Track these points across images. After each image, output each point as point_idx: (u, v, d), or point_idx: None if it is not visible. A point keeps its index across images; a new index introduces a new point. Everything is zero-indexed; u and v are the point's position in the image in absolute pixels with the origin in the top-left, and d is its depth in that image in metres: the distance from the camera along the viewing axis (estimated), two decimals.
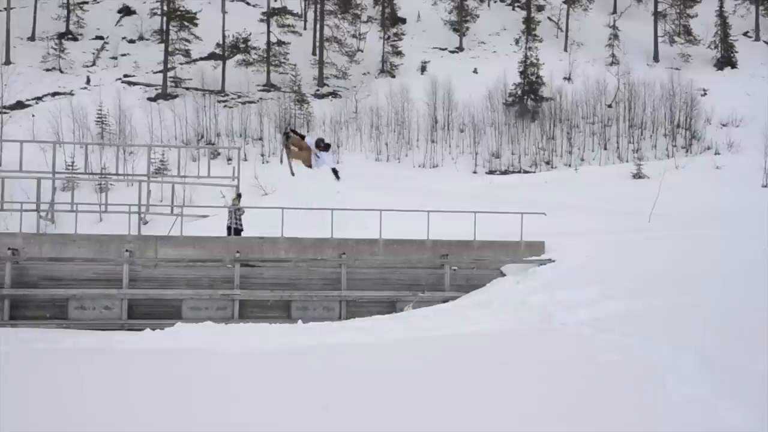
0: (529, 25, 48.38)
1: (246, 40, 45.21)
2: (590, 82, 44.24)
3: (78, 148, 30.53)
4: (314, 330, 11.37)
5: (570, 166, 39.78)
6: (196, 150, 32.99)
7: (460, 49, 51.05)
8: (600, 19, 53.94)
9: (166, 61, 43.33)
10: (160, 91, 43.25)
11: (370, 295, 16.40)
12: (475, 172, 39.03)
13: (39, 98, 41.50)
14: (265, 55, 45.08)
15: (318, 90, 45.61)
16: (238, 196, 19.50)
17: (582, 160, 40.87)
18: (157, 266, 16.30)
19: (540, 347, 7.77)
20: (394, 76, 46.39)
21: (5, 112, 36.50)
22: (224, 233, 18.35)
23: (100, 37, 48.57)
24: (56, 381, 6.11)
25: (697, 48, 50.71)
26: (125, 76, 44.87)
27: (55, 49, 44.96)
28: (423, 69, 47.32)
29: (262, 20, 46.78)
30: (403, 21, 51.32)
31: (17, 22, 45.09)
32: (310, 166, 11.62)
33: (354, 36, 49.30)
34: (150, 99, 42.48)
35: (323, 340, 9.80)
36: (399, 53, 47.96)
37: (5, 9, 44.98)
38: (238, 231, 18.78)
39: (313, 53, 48.17)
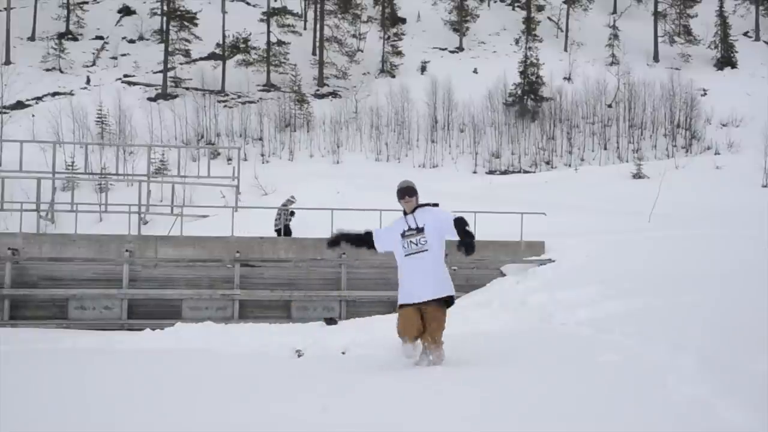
0: (529, 25, 48.42)
1: (246, 40, 45.21)
2: (590, 82, 44.25)
3: (78, 148, 30.55)
4: (314, 330, 11.38)
5: (570, 166, 39.78)
6: (196, 150, 32.99)
7: (460, 49, 51.06)
8: (600, 19, 53.95)
9: (166, 61, 43.34)
10: (160, 91, 43.26)
11: (370, 295, 16.40)
12: (475, 172, 39.02)
13: (39, 98, 41.50)
14: (265, 55, 45.09)
15: (318, 90, 45.61)
16: (290, 203, 19.52)
17: (582, 160, 40.86)
18: (157, 266, 16.31)
19: (540, 347, 7.77)
20: (394, 76, 46.40)
21: (5, 112, 36.51)
22: (228, 233, 18.27)
23: (100, 37, 48.58)
24: (56, 381, 6.11)
25: (697, 48, 50.73)
26: (125, 76, 44.88)
27: (55, 49, 44.96)
28: (423, 69, 47.33)
29: (262, 20, 46.79)
30: (403, 21, 51.33)
31: (17, 22, 45.09)
32: None
33: (354, 36, 49.32)
34: (150, 99, 42.49)
35: (323, 339, 9.80)
36: (399, 53, 47.97)
37: (5, 9, 44.99)
38: (286, 231, 18.89)
39: (313, 53, 48.18)
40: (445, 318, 6.66)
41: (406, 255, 6.63)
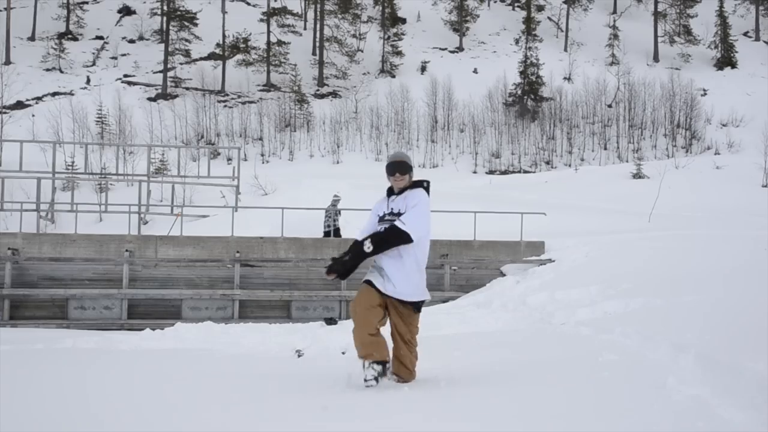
0: (529, 25, 48.44)
1: (246, 40, 45.23)
2: (590, 82, 44.26)
3: (78, 148, 30.56)
4: (314, 330, 11.37)
5: (570, 166, 39.77)
6: (196, 150, 33.02)
7: (460, 49, 51.08)
8: (600, 19, 53.99)
9: (166, 61, 43.35)
10: (160, 91, 43.28)
11: None
12: (475, 172, 39.03)
13: (39, 98, 41.52)
14: (265, 55, 45.10)
15: (318, 90, 45.62)
16: (337, 201, 19.14)
17: (582, 160, 40.87)
18: (157, 266, 16.32)
19: (540, 347, 7.77)
20: (394, 76, 46.42)
21: (5, 112, 36.50)
22: (228, 233, 18.32)
23: (100, 37, 48.60)
24: (56, 381, 6.11)
25: (697, 48, 50.76)
26: (125, 76, 44.89)
27: (55, 49, 44.98)
28: (423, 69, 47.35)
29: (262, 20, 46.81)
30: (403, 21, 51.36)
31: (17, 22, 45.11)
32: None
33: (354, 36, 49.34)
34: (150, 99, 42.50)
35: (323, 339, 9.80)
36: (399, 53, 48.00)
37: (5, 9, 45.01)
38: (337, 232, 18.49)
39: (313, 53, 48.19)
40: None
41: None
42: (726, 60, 49.42)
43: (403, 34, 49.65)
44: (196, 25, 45.00)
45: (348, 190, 24.99)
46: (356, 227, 19.19)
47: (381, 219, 5.50)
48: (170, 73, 43.78)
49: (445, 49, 51.03)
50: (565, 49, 50.45)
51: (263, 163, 37.52)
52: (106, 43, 48.14)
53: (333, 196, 19.24)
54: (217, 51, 45.49)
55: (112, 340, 9.91)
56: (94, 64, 46.22)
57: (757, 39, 53.11)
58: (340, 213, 18.74)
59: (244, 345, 9.45)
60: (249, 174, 26.72)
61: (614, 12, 55.87)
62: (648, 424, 4.11)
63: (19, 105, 39.92)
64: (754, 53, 50.46)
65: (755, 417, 4.15)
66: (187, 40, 44.86)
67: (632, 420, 4.19)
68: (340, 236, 18.22)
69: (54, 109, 37.40)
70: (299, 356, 8.09)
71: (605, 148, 42.19)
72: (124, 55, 47.05)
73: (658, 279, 12.15)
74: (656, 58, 50.16)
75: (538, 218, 18.03)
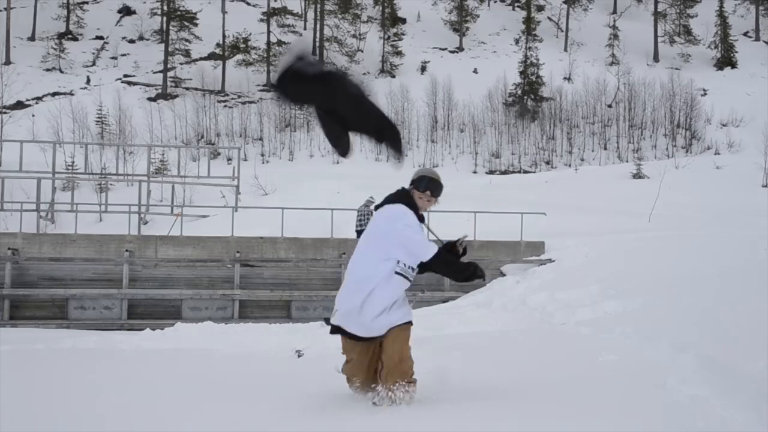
0: (529, 25, 48.43)
1: (246, 40, 45.25)
2: (590, 82, 44.25)
3: (78, 148, 30.56)
4: (314, 330, 11.37)
5: (570, 166, 39.76)
6: (196, 150, 33.03)
7: (460, 49, 51.08)
8: (600, 19, 53.98)
9: (166, 61, 43.35)
10: (160, 91, 43.27)
11: None
12: (475, 172, 39.03)
13: (39, 98, 41.51)
14: (265, 55, 45.11)
15: None
16: (370, 203, 19.01)
17: (582, 160, 40.87)
18: (157, 266, 16.32)
19: (540, 347, 7.77)
20: (394, 76, 46.41)
21: (5, 112, 36.49)
22: (228, 233, 18.27)
23: (100, 37, 48.59)
24: (56, 381, 6.11)
25: (697, 48, 50.77)
26: (125, 76, 44.89)
27: (55, 49, 44.98)
28: (423, 69, 47.35)
29: (262, 20, 46.83)
30: (403, 21, 51.35)
31: (17, 22, 45.10)
32: None
33: (354, 36, 49.34)
34: (150, 99, 42.50)
35: (323, 339, 9.80)
36: (399, 53, 48.00)
37: (5, 9, 45.01)
38: None
39: (313, 53, 48.19)
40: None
41: (411, 278, 4.81)
42: (726, 60, 49.43)
43: (403, 34, 49.65)
44: (196, 25, 45.01)
45: (348, 190, 24.99)
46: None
47: None
48: (170, 73, 43.78)
49: (445, 49, 51.02)
50: (565, 49, 50.45)
51: (263, 163, 37.52)
52: (106, 43, 48.13)
53: (367, 198, 19.22)
54: (217, 51, 45.49)
55: (112, 340, 9.91)
56: (94, 64, 46.22)
57: (757, 39, 53.11)
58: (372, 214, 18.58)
59: (244, 345, 9.45)
60: (249, 174, 26.71)
61: (614, 12, 55.87)
62: (648, 424, 4.12)
63: (19, 105, 39.91)
64: (754, 53, 50.46)
65: (755, 417, 4.16)
66: (187, 40, 44.87)
67: (632, 420, 4.19)
68: None
69: (54, 109, 37.39)
70: (299, 356, 8.09)
71: (605, 148, 42.19)
72: (124, 55, 47.04)
73: (658, 279, 12.15)
74: (656, 58, 50.17)
75: (538, 218, 18.03)
